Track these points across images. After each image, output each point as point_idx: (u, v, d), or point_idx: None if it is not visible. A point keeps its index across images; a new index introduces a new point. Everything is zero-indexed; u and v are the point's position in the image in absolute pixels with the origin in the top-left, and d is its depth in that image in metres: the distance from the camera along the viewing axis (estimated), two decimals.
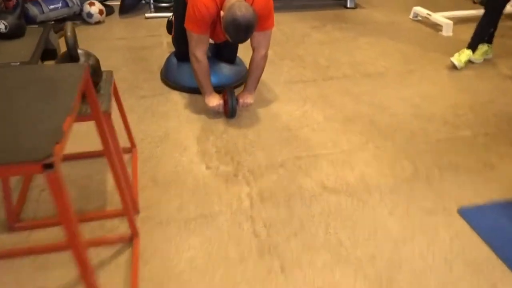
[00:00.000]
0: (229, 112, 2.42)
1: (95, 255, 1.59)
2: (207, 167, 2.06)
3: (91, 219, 1.74)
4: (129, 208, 1.58)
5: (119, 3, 3.91)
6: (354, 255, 1.62)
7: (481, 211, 1.86)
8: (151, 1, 4.02)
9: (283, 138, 2.29)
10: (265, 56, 2.39)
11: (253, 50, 2.37)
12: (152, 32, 3.58)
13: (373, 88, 2.83)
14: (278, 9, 4.27)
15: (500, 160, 2.17)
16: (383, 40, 3.59)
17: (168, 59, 2.83)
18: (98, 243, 1.64)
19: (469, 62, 3.17)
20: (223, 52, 2.73)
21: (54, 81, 1.19)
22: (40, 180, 1.95)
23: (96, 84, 1.66)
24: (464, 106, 2.64)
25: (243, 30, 2.03)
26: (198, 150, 2.19)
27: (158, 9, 3.99)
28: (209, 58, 2.67)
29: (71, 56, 1.53)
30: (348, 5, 4.40)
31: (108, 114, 1.55)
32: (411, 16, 4.14)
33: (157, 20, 3.83)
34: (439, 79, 2.99)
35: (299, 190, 1.93)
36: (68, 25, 1.52)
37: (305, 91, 2.77)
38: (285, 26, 3.84)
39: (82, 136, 2.26)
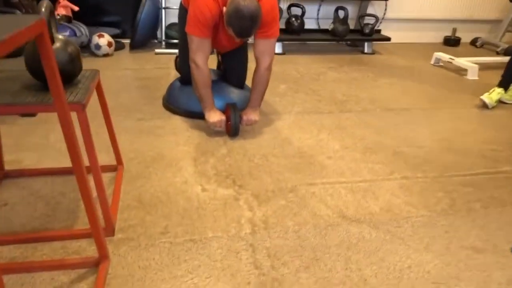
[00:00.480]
0: (232, 130, 2.17)
1: (49, 280, 1.24)
2: (203, 189, 1.75)
3: (54, 238, 1.41)
4: (97, 227, 1.25)
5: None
6: None
7: None
8: (163, 37, 3.94)
9: (294, 164, 1.98)
10: (269, 68, 2.21)
11: (256, 61, 2.19)
12: (160, 65, 3.43)
13: (397, 122, 2.54)
14: (293, 51, 4.19)
15: None
16: (404, 81, 3.36)
17: (171, 84, 2.63)
18: (56, 266, 1.30)
19: (500, 102, 2.90)
20: (231, 76, 2.51)
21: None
22: (2, 194, 1.65)
23: (73, 76, 1.42)
24: (502, 143, 2.32)
25: (247, 19, 1.89)
26: (195, 171, 1.88)
27: (169, 46, 3.89)
28: (217, 81, 2.48)
29: None
30: (366, 51, 4.26)
31: (81, 106, 1.28)
32: (432, 62, 3.95)
33: (167, 56, 3.70)
34: (470, 117, 2.70)
35: (312, 218, 1.59)
36: (44, 1, 1.31)
37: (320, 121, 2.49)
38: (300, 66, 3.67)
39: (65, 152, 2.00)
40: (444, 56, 3.82)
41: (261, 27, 2.05)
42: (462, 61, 3.63)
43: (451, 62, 3.74)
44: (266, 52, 2.16)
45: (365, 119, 2.56)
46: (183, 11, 2.27)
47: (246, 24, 1.91)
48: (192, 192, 1.72)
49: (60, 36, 1.40)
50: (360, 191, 1.79)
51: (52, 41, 1.34)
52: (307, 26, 4.30)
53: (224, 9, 1.98)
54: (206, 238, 1.46)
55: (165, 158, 1.98)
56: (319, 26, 4.53)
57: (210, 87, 2.19)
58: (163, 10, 3.93)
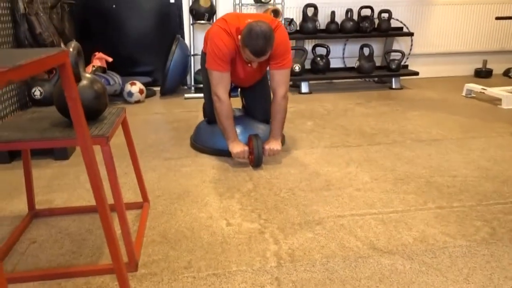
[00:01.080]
0: (255, 160, 2.21)
1: None
2: (228, 224, 1.71)
3: (78, 274, 1.40)
4: (119, 262, 1.24)
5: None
6: None
7: None
8: (192, 83, 4.07)
9: (321, 197, 1.93)
10: (286, 96, 2.30)
11: (273, 92, 2.30)
12: (188, 109, 3.52)
13: (428, 153, 2.45)
14: (320, 90, 4.22)
15: None
16: (435, 113, 3.28)
17: (198, 124, 2.68)
18: None
19: None
20: (256, 112, 2.56)
21: None
22: (32, 232, 1.68)
23: (99, 111, 1.47)
24: None
25: (261, 37, 2.02)
26: (220, 206, 1.86)
27: (197, 90, 4.01)
28: (243, 117, 2.52)
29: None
30: (393, 86, 4.22)
31: (105, 139, 1.31)
32: (463, 94, 3.86)
33: (196, 100, 3.81)
34: (507, 145, 2.57)
35: (341, 250, 1.51)
36: (72, 43, 1.39)
37: (349, 154, 2.44)
38: (327, 103, 3.67)
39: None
40: (476, 87, 3.73)
41: (275, 58, 2.21)
42: (496, 91, 3.53)
43: (483, 93, 3.64)
44: (281, 82, 2.26)
45: (395, 151, 2.49)
46: (204, 56, 2.38)
47: (261, 42, 2.02)
48: (216, 226, 1.69)
49: (88, 75, 1.47)
50: (392, 221, 1.71)
51: (79, 79, 1.41)
52: (332, 65, 4.34)
53: (239, 37, 2.11)
54: (230, 272, 1.41)
55: (190, 195, 1.97)
56: (345, 65, 4.57)
57: (232, 118, 2.28)
58: (192, 57, 4.09)
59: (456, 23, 4.71)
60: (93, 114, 1.45)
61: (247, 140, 2.33)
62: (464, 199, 1.89)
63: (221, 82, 2.20)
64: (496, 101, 3.57)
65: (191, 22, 4.06)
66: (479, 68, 4.80)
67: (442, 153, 2.45)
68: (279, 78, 2.25)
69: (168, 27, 4.25)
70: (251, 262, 1.46)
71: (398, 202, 1.87)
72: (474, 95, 3.83)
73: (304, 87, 4.07)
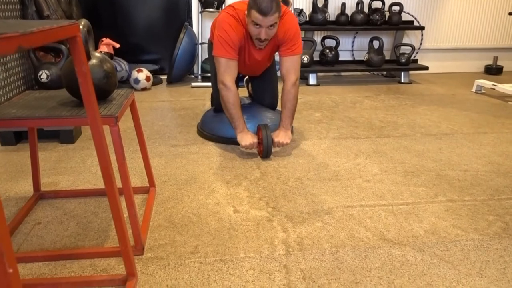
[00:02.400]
0: (264, 152, 2.15)
1: None
2: (235, 211, 1.69)
3: (83, 256, 1.38)
4: (126, 244, 1.21)
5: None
6: None
7: None
8: (199, 72, 4.04)
9: (330, 187, 1.90)
10: (296, 84, 2.22)
11: (283, 79, 2.22)
12: (195, 97, 3.49)
13: (439, 147, 2.42)
14: (328, 83, 4.17)
15: None
16: (444, 108, 3.24)
17: (206, 112, 2.65)
18: (83, 283, 1.26)
19: None
20: (263, 97, 2.53)
21: None
22: (37, 213, 1.66)
23: (108, 92, 1.44)
24: None
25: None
26: (227, 193, 1.83)
27: (204, 79, 3.97)
28: (250, 104, 2.49)
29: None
30: (403, 81, 4.17)
31: (114, 119, 1.28)
32: (473, 90, 3.81)
33: (203, 89, 3.78)
34: None
35: (350, 240, 1.48)
36: (82, 20, 1.36)
37: (357, 146, 2.41)
38: (336, 96, 3.63)
39: (100, 175, 2.02)
40: (487, 83, 3.68)
41: (284, 43, 2.16)
42: (507, 87, 3.47)
43: (494, 89, 3.59)
44: (292, 68, 2.19)
45: (404, 144, 2.45)
46: (211, 46, 2.34)
47: (266, 1, 1.94)
48: (224, 213, 1.67)
49: (97, 54, 1.44)
50: (402, 213, 1.68)
51: (88, 57, 1.38)
52: (341, 58, 4.29)
53: (246, 13, 2.08)
54: (237, 258, 1.38)
55: (197, 181, 1.95)
56: (353, 57, 4.52)
57: (240, 107, 2.20)
58: (199, 46, 4.05)
59: (468, 19, 4.64)
60: (102, 94, 1.42)
61: (255, 129, 2.29)
62: (475, 193, 1.85)
63: (228, 70, 2.13)
64: (507, 97, 3.52)
65: (199, 10, 4.02)
66: (490, 65, 4.74)
67: (453, 147, 2.41)
68: (289, 65, 2.19)
69: (177, 15, 4.20)
70: (259, 249, 1.43)
71: (408, 194, 1.84)
72: (484, 91, 3.78)
73: (312, 79, 4.03)
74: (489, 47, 4.77)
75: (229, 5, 2.19)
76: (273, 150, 2.29)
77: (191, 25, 4.16)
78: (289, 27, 2.14)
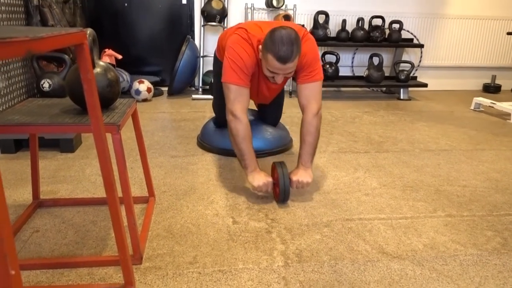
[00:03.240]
0: (281, 196, 1.80)
1: None
2: (234, 222, 1.68)
3: (81, 264, 1.38)
4: (125, 252, 1.21)
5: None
6: None
7: None
8: (200, 84, 4.06)
9: (329, 200, 1.90)
10: (319, 115, 1.90)
11: (302, 109, 1.91)
12: (196, 109, 3.51)
13: (437, 162, 2.43)
14: (328, 98, 4.20)
15: None
16: (443, 125, 3.26)
17: (206, 123, 2.66)
18: None
19: None
20: (266, 113, 2.50)
21: None
22: (36, 221, 1.65)
23: (111, 100, 1.45)
24: None
25: (286, 40, 1.70)
26: (226, 204, 1.83)
27: (205, 92, 4.00)
28: (250, 121, 2.47)
29: None
30: (402, 97, 4.21)
31: (116, 127, 1.29)
32: (472, 107, 3.84)
33: (204, 101, 3.80)
34: None
35: (349, 253, 1.48)
36: (88, 29, 1.38)
37: (357, 160, 2.42)
38: (335, 110, 3.66)
39: (99, 184, 2.02)
40: (485, 101, 3.71)
41: (303, 70, 1.89)
42: (505, 105, 3.51)
43: (492, 107, 3.62)
44: (312, 96, 1.90)
45: (403, 159, 2.46)
46: (217, 61, 2.21)
47: (285, 45, 1.70)
48: (223, 224, 1.66)
49: (102, 63, 1.45)
50: (401, 227, 1.68)
51: (93, 65, 1.39)
52: (341, 73, 4.33)
53: (260, 48, 1.83)
54: (236, 269, 1.38)
55: (197, 192, 1.95)
56: (353, 73, 4.56)
57: (251, 141, 1.86)
58: (201, 59, 4.08)
59: (467, 37, 4.70)
60: (105, 102, 1.43)
61: (256, 147, 2.05)
62: (474, 209, 1.86)
63: (239, 98, 1.84)
64: (505, 115, 3.54)
65: (202, 23, 4.07)
66: (488, 83, 4.78)
67: (451, 163, 2.42)
68: (309, 93, 1.90)
69: (179, 27, 4.25)
70: (258, 261, 1.43)
71: (407, 208, 1.84)
72: (483, 109, 3.81)
73: None
74: (487, 66, 4.82)
75: (241, 27, 1.93)
76: (291, 191, 1.90)
77: (193, 38, 4.21)
78: (307, 51, 1.88)
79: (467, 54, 4.77)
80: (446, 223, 1.72)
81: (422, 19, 4.54)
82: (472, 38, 4.72)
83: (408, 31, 4.47)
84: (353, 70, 4.57)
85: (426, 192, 2.02)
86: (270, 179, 1.83)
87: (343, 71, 4.47)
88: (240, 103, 1.84)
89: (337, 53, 4.19)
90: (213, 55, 2.37)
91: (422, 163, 2.40)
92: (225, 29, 4.06)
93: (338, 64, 4.19)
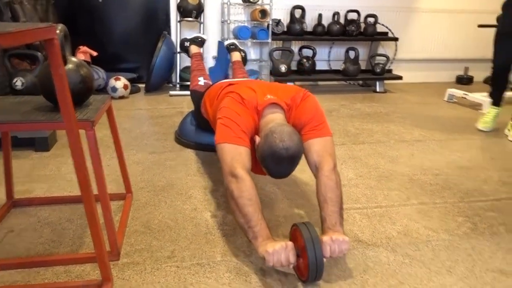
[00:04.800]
0: (310, 272, 1.23)
1: None
2: (213, 216, 1.70)
3: (57, 262, 1.37)
4: (102, 248, 1.21)
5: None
6: None
7: None
8: (177, 81, 4.04)
9: (306, 191, 1.93)
10: (335, 171, 1.52)
11: (316, 167, 1.54)
12: (173, 106, 3.49)
13: (411, 152, 2.49)
14: None
15: None
16: (418, 116, 3.33)
17: (183, 119, 2.65)
18: None
19: None
20: None
21: None
22: (10, 221, 1.63)
23: (84, 96, 1.44)
24: None
25: (285, 161, 1.42)
26: (205, 199, 1.84)
27: (183, 88, 3.98)
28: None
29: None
30: (377, 90, 4.28)
31: (90, 123, 1.28)
32: (445, 98, 3.94)
33: (181, 97, 3.78)
34: (488, 146, 2.63)
35: None
36: (59, 25, 1.36)
37: None
38: None
39: (75, 182, 2.00)
40: (458, 92, 3.80)
41: (308, 124, 1.60)
42: (477, 96, 3.60)
43: (465, 98, 3.72)
44: (326, 152, 1.55)
45: (378, 150, 2.51)
46: (196, 96, 2.27)
47: (285, 167, 1.46)
48: (201, 218, 1.67)
49: (74, 59, 1.44)
50: (376, 216, 1.72)
51: (65, 62, 1.38)
52: (318, 67, 4.37)
53: (257, 138, 1.51)
54: (214, 262, 1.39)
55: (175, 187, 1.95)
56: (330, 67, 4.61)
57: (259, 203, 1.40)
58: (178, 55, 4.06)
59: (440, 31, 4.80)
60: (78, 98, 1.42)
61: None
62: (446, 196, 1.91)
63: (238, 158, 1.45)
64: (477, 106, 3.64)
65: (178, 19, 4.04)
66: (461, 75, 4.90)
67: (425, 153, 2.48)
68: (321, 148, 1.55)
69: (155, 23, 4.21)
70: (236, 253, 1.44)
71: (382, 198, 1.89)
72: (456, 100, 3.90)
73: None
74: (460, 58, 4.94)
75: (233, 92, 1.64)
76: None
77: (169, 34, 4.18)
78: (312, 107, 1.65)
79: (441, 46, 4.88)
80: (419, 211, 1.77)
81: (396, 13, 4.61)
82: (445, 31, 4.82)
83: (383, 24, 4.54)
84: (330, 64, 4.62)
85: (400, 182, 2.07)
86: (291, 249, 1.27)
87: (320, 65, 4.51)
88: (239, 162, 1.45)
89: (314, 47, 4.22)
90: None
91: (397, 154, 2.46)
92: (201, 24, 4.05)
93: (315, 58, 4.22)
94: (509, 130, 2.82)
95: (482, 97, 3.56)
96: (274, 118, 1.53)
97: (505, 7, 2.82)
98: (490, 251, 1.48)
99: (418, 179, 2.10)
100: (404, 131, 2.92)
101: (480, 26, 4.17)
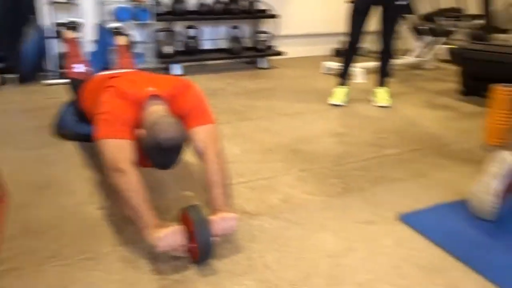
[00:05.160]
0: (201, 255, 1.31)
1: None
2: (99, 207, 1.66)
3: None
4: None
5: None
6: (284, 278, 1.27)
7: (425, 215, 1.63)
8: (55, 69, 3.75)
9: (194, 173, 1.97)
10: (220, 156, 1.61)
11: (201, 153, 1.59)
12: (51, 96, 3.25)
13: (293, 125, 2.67)
14: (193, 72, 4.22)
15: (431, 169, 2.02)
16: (298, 89, 3.55)
17: (61, 110, 2.48)
18: None
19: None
20: None
21: None
22: None
23: None
24: (387, 131, 2.54)
25: (172, 151, 1.46)
26: (89, 192, 1.79)
27: (60, 76, 3.70)
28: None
29: None
30: (262, 66, 4.44)
31: None
32: (323, 71, 4.24)
33: (59, 86, 3.53)
34: (360, 113, 2.92)
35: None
36: None
37: (220, 131, 2.52)
38: (200, 84, 3.67)
39: None
40: (333, 65, 4.12)
41: (190, 113, 1.62)
42: (352, 67, 3.93)
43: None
44: (210, 137, 1.62)
45: (263, 125, 2.65)
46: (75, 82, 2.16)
47: (170, 158, 1.49)
48: (87, 212, 1.63)
49: None
50: (261, 187, 1.84)
51: None
52: (205, 47, 4.38)
53: (140, 131, 1.49)
54: (103, 253, 1.38)
55: (56, 183, 1.85)
56: (216, 46, 4.65)
57: (144, 192, 1.41)
58: (54, 41, 3.75)
59: (316, 6, 5.10)
60: None
61: None
62: (322, 162, 2.11)
63: (121, 152, 1.45)
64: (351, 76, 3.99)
65: (49, 0, 3.71)
66: (338, 48, 5.29)
67: (305, 124, 2.68)
68: (206, 135, 1.61)
69: (21, 7, 3.82)
70: (126, 242, 1.45)
71: (266, 170, 2.01)
72: (332, 72, 4.22)
73: (177, 69, 4.05)
74: (335, 32, 5.31)
75: (111, 86, 1.60)
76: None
77: (39, 18, 3.83)
78: (192, 96, 1.69)
79: (318, 22, 5.19)
80: (299, 178, 1.93)
81: None
82: (321, 7, 5.14)
83: (263, 1, 4.68)
84: (216, 43, 4.66)
85: (284, 153, 2.22)
86: (180, 232, 1.32)
87: (207, 45, 4.52)
88: (122, 156, 1.44)
89: (199, 27, 4.21)
90: None
91: (280, 127, 2.61)
92: (78, 5, 3.78)
93: (201, 38, 4.22)
94: (375, 97, 3.15)
95: (354, 68, 3.91)
96: (156, 110, 1.53)
97: None
98: (358, 206, 1.68)
99: (299, 149, 2.27)
100: (286, 105, 3.10)
101: (347, 1, 4.52)
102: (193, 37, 4.16)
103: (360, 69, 3.91)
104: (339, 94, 3.13)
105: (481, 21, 4.24)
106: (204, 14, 4.22)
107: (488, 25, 4.05)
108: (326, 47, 5.35)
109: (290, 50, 5.00)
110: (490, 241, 1.48)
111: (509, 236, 1.51)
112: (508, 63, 2.86)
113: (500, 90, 2.29)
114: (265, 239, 1.46)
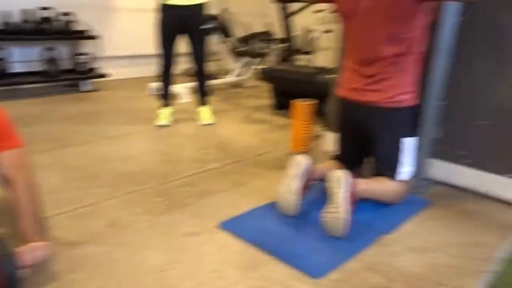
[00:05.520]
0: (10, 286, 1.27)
1: None
2: None
3: None
4: None
5: None
6: None
7: (241, 220, 1.82)
8: None
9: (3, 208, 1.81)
10: (29, 182, 1.53)
11: (9, 183, 1.48)
12: None
13: (119, 148, 2.65)
14: (1, 98, 3.78)
15: (249, 178, 2.25)
16: (124, 111, 3.53)
17: None
18: None
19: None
20: None
21: None
22: None
23: None
24: (211, 147, 2.73)
25: None
26: None
27: None
28: None
29: None
30: (84, 89, 4.25)
31: None
32: (149, 92, 4.29)
33: None
34: (185, 131, 3.06)
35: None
36: None
37: (37, 160, 2.34)
38: (12, 112, 3.34)
39: None
40: (158, 86, 4.19)
41: None
42: (175, 88, 4.07)
43: None
44: (17, 163, 1.51)
45: (86, 150, 2.56)
46: None
47: None
48: None
49: None
50: (83, 215, 1.79)
51: None
52: (16, 70, 3.98)
53: None
54: None
55: None
56: (29, 69, 4.26)
57: None
58: None
59: (139, 27, 5.12)
60: None
61: None
62: (149, 182, 2.16)
63: None
64: (176, 96, 4.13)
65: None
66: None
67: (132, 146, 2.69)
68: (13, 161, 1.49)
69: None
70: None
71: (90, 195, 1.97)
72: (158, 93, 4.30)
73: None
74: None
75: None
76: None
77: None
78: None
79: (142, 43, 5.21)
80: (125, 201, 1.94)
81: (97, 10, 4.64)
82: (145, 27, 5.17)
83: (82, 22, 4.49)
84: (28, 65, 4.26)
85: (110, 177, 2.19)
86: None
87: (17, 68, 4.11)
88: None
89: (6, 48, 3.81)
90: None
91: (105, 150, 2.57)
92: None
93: (10, 60, 3.83)
94: (198, 116, 3.33)
95: (179, 88, 4.06)
96: None
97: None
98: (182, 220, 1.78)
99: (126, 172, 2.27)
100: (112, 128, 3.05)
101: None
102: (1, 59, 3.75)
103: (185, 89, 4.09)
104: (164, 115, 3.22)
105: (287, 44, 4.88)
106: (11, 34, 3.85)
107: (291, 48, 4.67)
108: (152, 68, 5.41)
109: (115, 71, 4.91)
110: (294, 233, 1.74)
111: (309, 226, 1.80)
112: (305, 81, 3.38)
113: (299, 105, 2.70)
114: (89, 266, 1.44)
